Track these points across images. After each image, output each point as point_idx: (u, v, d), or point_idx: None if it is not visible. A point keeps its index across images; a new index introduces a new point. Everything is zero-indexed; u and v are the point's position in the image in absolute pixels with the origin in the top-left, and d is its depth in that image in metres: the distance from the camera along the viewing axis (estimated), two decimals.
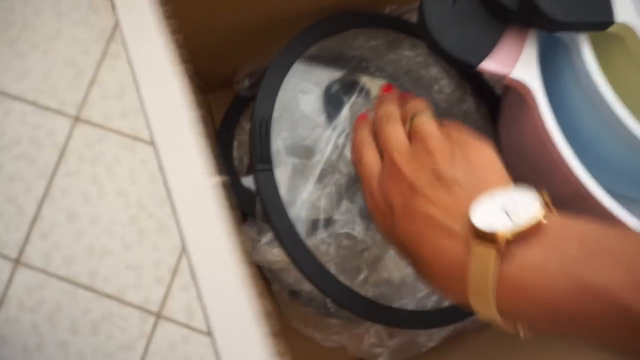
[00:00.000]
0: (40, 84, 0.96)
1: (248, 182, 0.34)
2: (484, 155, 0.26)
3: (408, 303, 0.31)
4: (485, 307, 0.21)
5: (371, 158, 0.29)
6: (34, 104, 0.95)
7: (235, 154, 0.39)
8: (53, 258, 0.91)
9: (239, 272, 0.16)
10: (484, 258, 0.21)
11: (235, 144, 0.40)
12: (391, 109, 0.31)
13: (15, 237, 0.92)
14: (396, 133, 0.29)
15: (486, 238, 0.21)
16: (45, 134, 0.95)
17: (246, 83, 0.39)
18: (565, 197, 0.27)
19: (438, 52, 0.31)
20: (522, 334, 0.22)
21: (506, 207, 0.22)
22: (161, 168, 0.20)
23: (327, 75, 0.38)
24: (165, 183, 0.17)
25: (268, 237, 0.32)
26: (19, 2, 0.98)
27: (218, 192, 0.17)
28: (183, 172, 0.17)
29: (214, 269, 0.16)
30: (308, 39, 0.35)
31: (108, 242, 0.92)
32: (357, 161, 0.30)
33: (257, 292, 0.16)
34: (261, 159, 0.31)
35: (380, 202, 0.27)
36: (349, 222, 0.30)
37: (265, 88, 0.32)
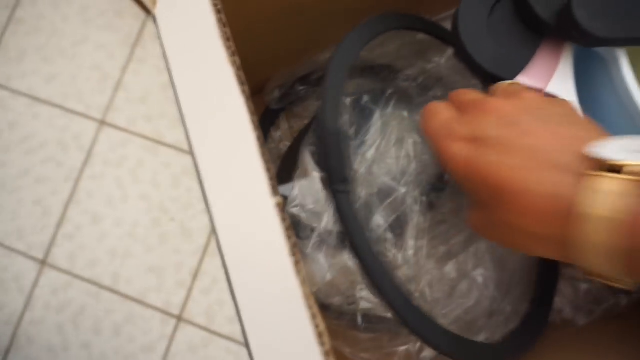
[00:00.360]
0: (68, 88, 0.98)
1: (285, 190, 0.33)
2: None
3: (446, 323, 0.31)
4: (597, 247, 0.20)
5: (445, 108, 0.28)
6: (61, 107, 0.97)
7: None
8: (78, 260, 0.93)
9: (299, 291, 0.16)
10: (610, 192, 0.20)
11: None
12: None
13: (41, 239, 0.93)
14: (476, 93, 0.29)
15: (613, 171, 0.20)
16: (72, 137, 0.96)
17: (276, 94, 0.39)
18: None
19: (470, 65, 0.31)
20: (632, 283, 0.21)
21: (630, 148, 0.21)
22: (200, 181, 0.20)
23: (356, 86, 0.37)
24: (208, 206, 0.18)
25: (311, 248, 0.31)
26: (48, 8, 1.00)
27: (276, 212, 0.17)
28: (237, 190, 0.17)
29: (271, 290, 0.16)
30: (358, 41, 0.34)
31: (131, 244, 0.93)
32: (428, 116, 0.28)
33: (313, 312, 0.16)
34: (338, 179, 0.29)
35: (462, 137, 0.25)
36: (381, 239, 0.30)
37: (330, 97, 0.30)
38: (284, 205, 0.33)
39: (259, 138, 0.18)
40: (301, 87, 0.40)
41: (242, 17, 0.34)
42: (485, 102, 0.26)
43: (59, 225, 0.94)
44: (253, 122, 0.19)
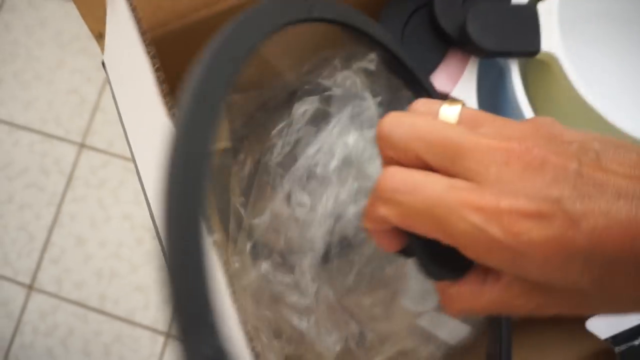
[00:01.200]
0: (46, 113, 0.99)
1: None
2: None
3: None
4: None
5: (425, 176, 0.19)
6: (40, 132, 0.98)
7: None
8: (64, 283, 0.94)
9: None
10: None
11: None
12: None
13: (27, 264, 0.94)
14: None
15: None
16: (53, 162, 0.97)
17: (239, 123, 0.40)
18: None
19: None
20: None
21: None
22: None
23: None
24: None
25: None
26: (22, 34, 1.01)
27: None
28: None
29: None
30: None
31: (116, 264, 0.94)
32: (407, 195, 0.18)
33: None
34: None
35: (513, 214, 0.17)
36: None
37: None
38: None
39: None
40: (260, 114, 0.40)
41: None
42: (483, 153, 0.18)
43: (44, 249, 0.95)
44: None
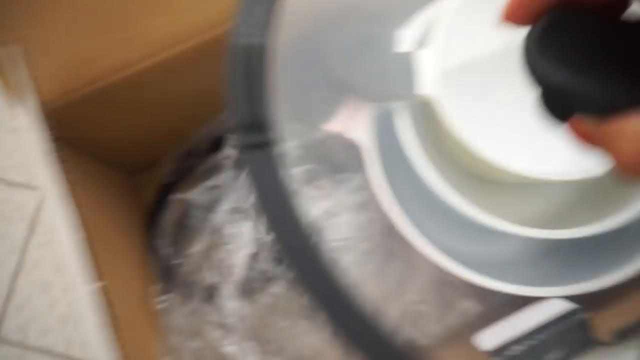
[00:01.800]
0: (7, 161, 1.00)
1: None
2: None
3: None
4: None
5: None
6: (1, 181, 0.99)
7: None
8: (29, 331, 0.93)
9: None
10: None
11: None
12: None
13: None
14: None
15: None
16: (14, 209, 0.98)
17: (168, 169, 0.42)
18: None
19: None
20: None
21: None
22: None
23: None
24: None
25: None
26: None
27: None
28: None
29: None
30: None
31: (82, 308, 0.94)
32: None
33: None
34: (250, 124, 0.20)
35: None
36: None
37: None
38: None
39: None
40: (189, 160, 0.43)
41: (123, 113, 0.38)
42: None
43: (9, 298, 0.94)
44: None
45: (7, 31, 0.28)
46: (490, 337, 0.28)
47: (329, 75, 0.33)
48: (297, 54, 0.36)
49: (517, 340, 0.29)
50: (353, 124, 0.33)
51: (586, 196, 0.36)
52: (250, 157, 0.17)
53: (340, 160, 0.39)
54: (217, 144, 0.40)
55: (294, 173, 0.37)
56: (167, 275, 0.38)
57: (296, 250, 0.17)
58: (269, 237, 0.39)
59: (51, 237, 0.94)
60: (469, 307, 0.38)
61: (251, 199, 0.41)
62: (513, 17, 0.18)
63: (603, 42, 0.16)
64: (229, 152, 0.39)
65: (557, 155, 0.31)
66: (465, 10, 0.31)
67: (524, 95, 0.37)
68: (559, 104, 0.19)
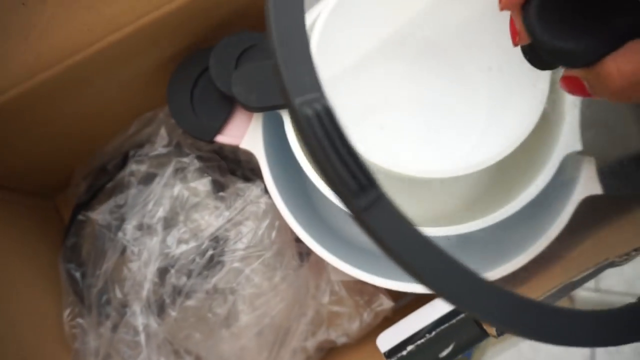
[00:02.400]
0: None
1: None
2: None
3: None
4: None
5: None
6: None
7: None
8: None
9: None
10: None
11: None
12: None
13: None
14: None
15: None
16: None
17: (82, 188, 0.41)
18: None
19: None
20: None
21: None
22: None
23: None
24: None
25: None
26: None
27: None
28: None
29: None
30: None
31: None
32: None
33: None
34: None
35: None
36: None
37: None
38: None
39: None
40: (100, 178, 0.42)
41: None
42: None
43: None
44: None
45: None
46: (386, 339, 0.29)
47: (216, 86, 0.33)
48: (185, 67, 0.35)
49: (410, 340, 0.30)
50: (244, 134, 0.33)
51: (483, 189, 0.37)
52: (372, 217, 0.16)
53: (238, 170, 0.39)
54: (124, 160, 0.40)
55: (196, 186, 0.36)
56: (81, 297, 0.38)
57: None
58: (178, 251, 0.39)
59: None
60: (382, 304, 0.39)
61: (158, 213, 0.41)
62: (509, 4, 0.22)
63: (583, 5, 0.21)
64: (133, 167, 0.39)
65: (433, 155, 0.32)
66: (338, 10, 0.31)
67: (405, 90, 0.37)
68: (545, 59, 0.24)
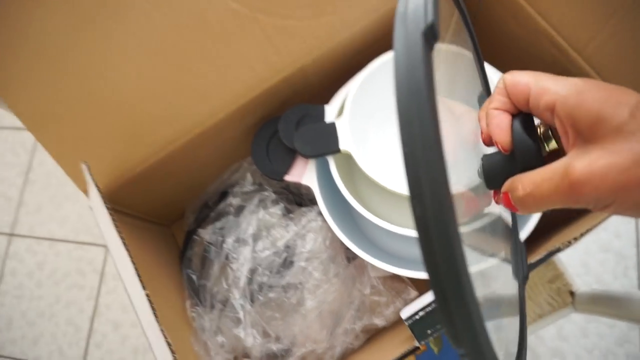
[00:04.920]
0: (77, 225, 1.21)
1: None
2: None
3: None
4: None
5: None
6: (74, 242, 1.20)
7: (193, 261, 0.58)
8: None
9: None
10: None
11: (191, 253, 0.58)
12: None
13: (76, 353, 1.13)
14: None
15: None
16: (87, 264, 1.19)
17: (190, 219, 0.59)
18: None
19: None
20: None
21: None
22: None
23: None
24: None
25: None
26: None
27: None
28: None
29: None
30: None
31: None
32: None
33: None
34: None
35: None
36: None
37: None
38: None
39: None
40: (205, 211, 0.59)
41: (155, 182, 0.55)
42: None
43: (89, 337, 1.14)
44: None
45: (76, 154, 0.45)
46: (407, 310, 0.42)
47: (283, 142, 0.49)
48: (263, 130, 0.52)
49: (422, 309, 0.42)
50: (303, 174, 0.49)
51: None
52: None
53: (301, 199, 0.55)
54: (222, 196, 0.57)
55: (273, 211, 0.52)
56: (197, 292, 0.54)
57: None
58: (262, 255, 0.55)
59: (116, 284, 1.14)
60: (409, 294, 0.52)
61: (249, 231, 0.57)
62: (488, 142, 0.29)
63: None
64: (231, 201, 0.55)
65: None
66: (363, 86, 0.46)
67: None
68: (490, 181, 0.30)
